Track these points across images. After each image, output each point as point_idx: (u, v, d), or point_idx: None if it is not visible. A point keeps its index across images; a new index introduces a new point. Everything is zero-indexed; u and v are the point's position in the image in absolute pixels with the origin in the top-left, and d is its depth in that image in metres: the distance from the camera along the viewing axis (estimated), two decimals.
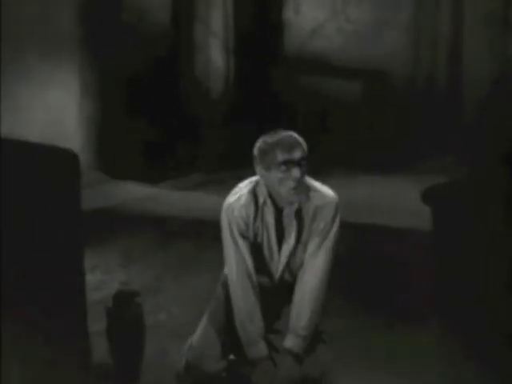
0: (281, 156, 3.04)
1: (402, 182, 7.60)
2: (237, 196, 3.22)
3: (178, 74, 8.60)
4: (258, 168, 3.14)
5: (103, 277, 5.38)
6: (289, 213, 3.19)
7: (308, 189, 3.18)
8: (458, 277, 3.53)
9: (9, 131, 5.98)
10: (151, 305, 4.76)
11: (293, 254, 3.23)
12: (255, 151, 3.14)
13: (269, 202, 3.17)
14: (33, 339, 3.23)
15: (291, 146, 3.06)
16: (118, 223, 6.56)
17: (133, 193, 7.71)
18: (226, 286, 3.35)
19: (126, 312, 3.87)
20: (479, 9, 8.38)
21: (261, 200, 3.19)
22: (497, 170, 3.60)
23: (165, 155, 8.20)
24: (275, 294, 3.30)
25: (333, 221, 3.23)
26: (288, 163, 3.04)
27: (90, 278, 4.91)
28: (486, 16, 8.34)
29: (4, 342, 3.13)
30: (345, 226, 6.18)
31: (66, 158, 3.45)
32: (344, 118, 8.71)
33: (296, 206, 3.17)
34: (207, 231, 5.80)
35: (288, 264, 3.25)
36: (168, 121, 8.28)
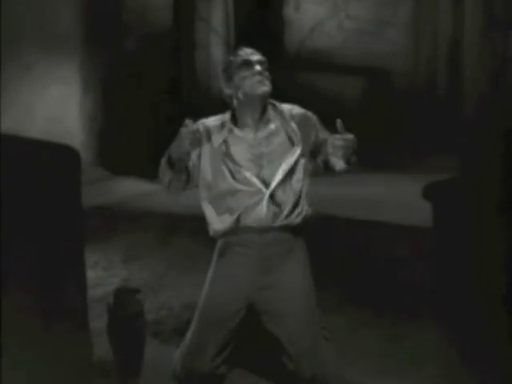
0: (240, 58, 3.25)
1: (401, 181, 7.60)
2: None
3: (178, 71, 8.60)
4: (225, 84, 3.28)
5: (104, 273, 5.38)
6: (264, 135, 3.28)
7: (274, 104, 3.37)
8: (458, 275, 3.53)
9: (10, 128, 5.98)
10: (152, 302, 4.76)
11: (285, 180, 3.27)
12: (220, 72, 3.31)
13: (241, 123, 3.27)
14: (33, 336, 3.24)
15: (249, 52, 3.28)
16: (119, 220, 6.56)
17: (134, 189, 7.71)
18: (215, 283, 3.34)
19: (126, 309, 3.87)
20: (479, 7, 8.38)
21: (232, 124, 3.28)
22: (497, 167, 3.61)
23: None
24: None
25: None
26: (248, 63, 3.23)
27: (91, 275, 4.92)
28: (486, 15, 8.34)
29: (4, 340, 3.13)
30: (346, 223, 6.22)
31: (66, 154, 3.45)
32: (344, 116, 8.69)
33: (272, 128, 3.29)
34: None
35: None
36: (168, 117, 8.27)
